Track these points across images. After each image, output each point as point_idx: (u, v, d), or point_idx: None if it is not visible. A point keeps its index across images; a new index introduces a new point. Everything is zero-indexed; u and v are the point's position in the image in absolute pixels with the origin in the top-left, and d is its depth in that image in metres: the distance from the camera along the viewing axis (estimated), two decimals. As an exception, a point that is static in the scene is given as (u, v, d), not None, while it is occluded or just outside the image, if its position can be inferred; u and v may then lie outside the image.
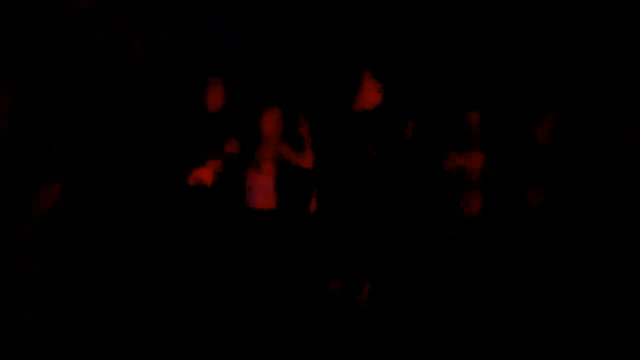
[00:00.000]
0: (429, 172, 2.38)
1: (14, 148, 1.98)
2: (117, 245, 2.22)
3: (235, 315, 2.16)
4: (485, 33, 2.77)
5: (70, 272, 2.08)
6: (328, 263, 2.26)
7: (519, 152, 2.44)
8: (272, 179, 2.31)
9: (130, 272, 2.22)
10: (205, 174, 2.27)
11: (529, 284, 2.27)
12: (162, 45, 2.64)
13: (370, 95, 2.29)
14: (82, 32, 2.52)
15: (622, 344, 2.03)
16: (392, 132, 2.31)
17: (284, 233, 2.30)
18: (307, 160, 2.33)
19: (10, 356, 1.86)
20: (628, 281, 2.26)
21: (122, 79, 2.49)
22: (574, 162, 2.44)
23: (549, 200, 2.40)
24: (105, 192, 2.25)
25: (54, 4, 2.48)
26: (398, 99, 2.35)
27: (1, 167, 1.94)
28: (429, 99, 2.53)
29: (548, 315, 2.18)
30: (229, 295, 2.20)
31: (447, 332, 2.11)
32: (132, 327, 2.08)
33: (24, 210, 1.90)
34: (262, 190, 2.31)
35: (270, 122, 2.35)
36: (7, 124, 1.99)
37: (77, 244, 2.14)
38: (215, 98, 2.34)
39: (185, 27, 2.70)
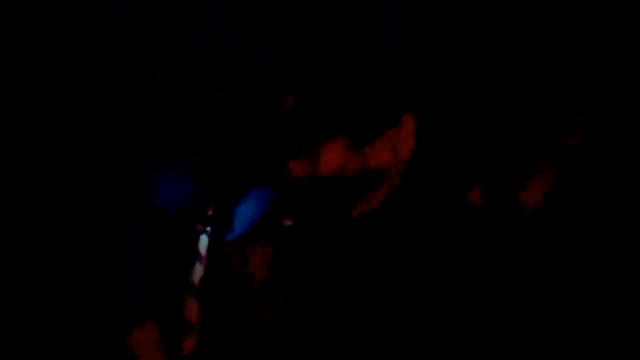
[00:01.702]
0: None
1: None
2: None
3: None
4: (486, 33, 2.77)
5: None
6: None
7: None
8: None
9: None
10: None
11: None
12: (162, 45, 2.64)
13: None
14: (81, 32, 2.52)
15: (623, 344, 2.03)
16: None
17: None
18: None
19: None
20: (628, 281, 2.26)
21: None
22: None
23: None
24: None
25: (54, 4, 2.48)
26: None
27: None
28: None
29: (550, 315, 2.18)
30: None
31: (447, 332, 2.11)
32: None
33: None
34: None
35: None
36: None
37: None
38: None
39: (185, 27, 2.70)
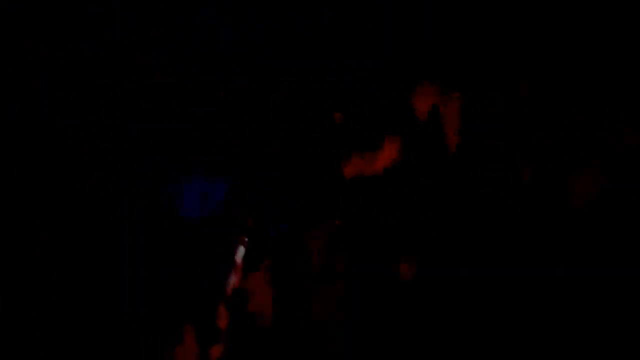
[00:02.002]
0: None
1: None
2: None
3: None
4: (487, 33, 2.77)
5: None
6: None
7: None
8: None
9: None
10: None
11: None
12: (162, 45, 2.64)
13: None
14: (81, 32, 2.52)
15: (622, 344, 2.03)
16: None
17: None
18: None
19: None
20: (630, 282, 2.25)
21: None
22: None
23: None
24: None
25: (54, 4, 2.48)
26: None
27: None
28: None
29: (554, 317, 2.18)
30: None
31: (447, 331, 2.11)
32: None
33: None
34: None
35: None
36: None
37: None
38: None
39: (185, 27, 2.70)
